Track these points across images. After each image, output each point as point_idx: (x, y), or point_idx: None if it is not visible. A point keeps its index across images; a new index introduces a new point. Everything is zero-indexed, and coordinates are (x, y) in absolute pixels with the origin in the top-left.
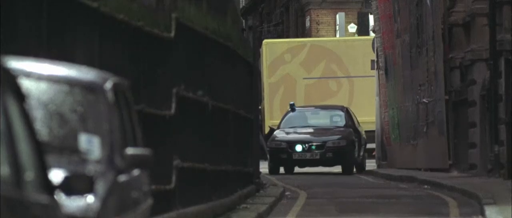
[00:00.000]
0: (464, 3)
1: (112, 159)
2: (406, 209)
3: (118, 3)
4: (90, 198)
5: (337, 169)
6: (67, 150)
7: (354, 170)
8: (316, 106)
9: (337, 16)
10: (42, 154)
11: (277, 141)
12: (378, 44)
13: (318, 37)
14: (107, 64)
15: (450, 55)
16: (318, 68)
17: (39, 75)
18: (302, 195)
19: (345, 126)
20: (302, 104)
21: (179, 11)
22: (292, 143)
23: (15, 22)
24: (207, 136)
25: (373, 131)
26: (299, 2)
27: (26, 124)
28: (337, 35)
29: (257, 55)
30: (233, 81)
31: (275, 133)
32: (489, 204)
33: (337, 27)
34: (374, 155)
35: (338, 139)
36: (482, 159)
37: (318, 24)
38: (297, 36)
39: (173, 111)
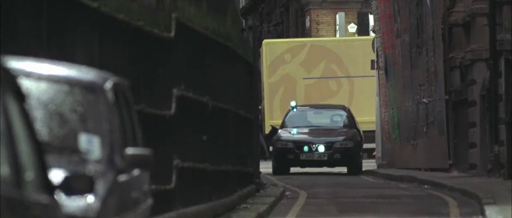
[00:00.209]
0: (464, 3)
1: (112, 159)
2: (406, 209)
3: (118, 3)
4: (90, 198)
5: (337, 169)
6: (67, 150)
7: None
8: (317, 106)
9: (337, 16)
10: (42, 154)
11: (283, 141)
12: (378, 44)
13: (318, 37)
14: (107, 64)
15: (450, 55)
16: (318, 68)
17: (39, 75)
18: (302, 195)
19: (348, 126)
20: (302, 104)
21: (179, 11)
22: (299, 143)
23: (15, 22)
24: (207, 136)
25: (373, 131)
26: (299, 2)
27: (26, 124)
28: (337, 35)
29: (257, 55)
30: (233, 81)
31: (279, 132)
32: (489, 204)
33: (337, 27)
34: (374, 155)
35: (346, 140)
36: (482, 159)
37: (318, 24)
38: (297, 36)
39: (173, 111)
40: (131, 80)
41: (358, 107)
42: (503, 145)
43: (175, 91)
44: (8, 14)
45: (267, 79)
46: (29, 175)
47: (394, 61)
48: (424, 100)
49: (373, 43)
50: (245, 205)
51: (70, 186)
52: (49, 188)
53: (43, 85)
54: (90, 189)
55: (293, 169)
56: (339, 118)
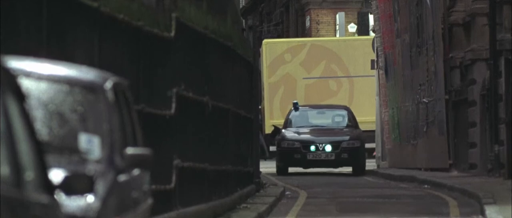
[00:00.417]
0: (464, 2)
1: (112, 159)
2: (406, 208)
3: (118, 3)
4: (90, 198)
5: (337, 169)
6: (67, 150)
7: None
8: (320, 106)
9: (337, 16)
10: (42, 154)
11: (289, 140)
12: (378, 44)
13: (318, 37)
14: (107, 64)
15: (450, 55)
16: (318, 68)
17: (39, 75)
18: (302, 195)
19: (351, 126)
20: (302, 104)
21: (179, 11)
22: (306, 143)
23: (15, 22)
24: (207, 135)
25: (373, 131)
26: (299, 2)
27: (26, 124)
28: (337, 35)
29: (257, 55)
30: (233, 81)
31: (284, 132)
32: (489, 203)
33: (337, 27)
34: (374, 155)
35: (352, 139)
36: (482, 159)
37: (318, 24)
38: (297, 36)
39: (173, 110)
40: (131, 80)
41: (358, 107)
42: (503, 144)
43: (175, 91)
44: (8, 14)
45: (267, 79)
46: (29, 175)
47: (394, 61)
48: (424, 100)
49: (373, 43)
50: (245, 205)
51: (70, 186)
52: (49, 188)
53: (43, 85)
54: (90, 189)
55: (291, 169)
56: (341, 118)
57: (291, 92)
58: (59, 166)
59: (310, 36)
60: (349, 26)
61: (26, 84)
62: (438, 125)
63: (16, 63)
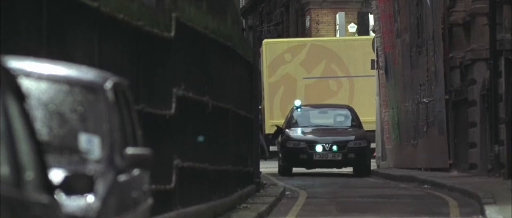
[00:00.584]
0: (464, 2)
1: (112, 159)
2: (406, 208)
3: (118, 3)
4: (90, 198)
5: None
6: (67, 149)
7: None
8: (322, 106)
9: (337, 16)
10: (42, 154)
11: (295, 140)
12: (378, 44)
13: (318, 37)
14: (107, 64)
15: (450, 55)
16: (318, 68)
17: (39, 75)
18: (302, 195)
19: (355, 126)
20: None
21: (179, 11)
22: (312, 143)
23: (15, 22)
24: (207, 135)
25: (373, 131)
26: (299, 1)
27: (26, 124)
28: (337, 35)
29: (257, 55)
30: (233, 81)
31: (288, 132)
32: (489, 203)
33: (337, 27)
34: (374, 155)
35: (358, 139)
36: (482, 159)
37: (318, 24)
38: (297, 36)
39: (173, 110)
40: (131, 80)
41: (358, 107)
42: (503, 144)
43: (175, 91)
44: (8, 14)
45: (267, 79)
46: (29, 175)
47: (394, 61)
48: (424, 100)
49: (373, 43)
50: (245, 205)
51: (70, 186)
52: (49, 188)
53: (43, 85)
54: (90, 189)
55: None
56: (346, 118)
57: (291, 92)
58: (59, 166)
59: (310, 36)
60: (349, 26)
61: (26, 84)
62: (438, 125)
63: (16, 63)
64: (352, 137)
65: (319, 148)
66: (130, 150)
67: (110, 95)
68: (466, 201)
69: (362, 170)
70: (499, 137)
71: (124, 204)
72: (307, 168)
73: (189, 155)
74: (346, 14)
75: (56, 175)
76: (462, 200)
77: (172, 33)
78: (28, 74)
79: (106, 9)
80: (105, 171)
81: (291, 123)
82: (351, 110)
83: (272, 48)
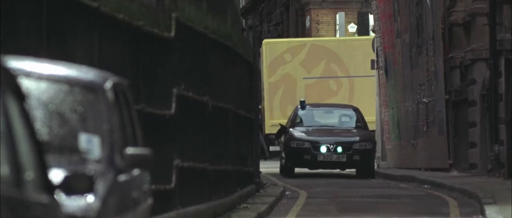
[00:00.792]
0: (464, 2)
1: (112, 159)
2: (406, 208)
3: (118, 3)
4: (90, 198)
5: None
6: (67, 149)
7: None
8: (327, 105)
9: (337, 16)
10: (42, 154)
11: (299, 140)
12: (378, 44)
13: (318, 37)
14: (107, 64)
15: (450, 55)
16: (318, 68)
17: (39, 75)
18: (302, 195)
19: (360, 127)
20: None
21: (179, 11)
22: (316, 143)
23: (15, 21)
24: (207, 135)
25: (373, 131)
26: (299, 1)
27: (26, 124)
28: (337, 35)
29: (257, 55)
30: (233, 81)
31: (291, 131)
32: (489, 203)
33: (337, 27)
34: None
35: (363, 140)
36: (482, 159)
37: (318, 24)
38: (297, 36)
39: (173, 110)
40: (131, 80)
41: (358, 107)
42: (503, 144)
43: (175, 91)
44: (8, 14)
45: (267, 79)
46: (29, 175)
47: (394, 61)
48: (424, 100)
49: (373, 43)
50: (245, 205)
51: (70, 186)
52: (49, 188)
53: (43, 85)
54: (90, 189)
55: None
56: (350, 118)
57: (291, 92)
58: (59, 166)
59: (310, 36)
60: (349, 26)
61: (26, 84)
62: (438, 125)
63: (16, 63)
64: (357, 138)
65: (323, 149)
66: (130, 150)
67: (110, 95)
68: (466, 201)
69: (366, 172)
70: (499, 137)
71: (124, 204)
72: (311, 169)
73: (189, 155)
74: (346, 14)
75: (56, 175)
76: (462, 200)
77: (172, 33)
78: (28, 74)
79: (106, 9)
80: (105, 171)
81: (295, 122)
82: (356, 110)
83: (272, 48)
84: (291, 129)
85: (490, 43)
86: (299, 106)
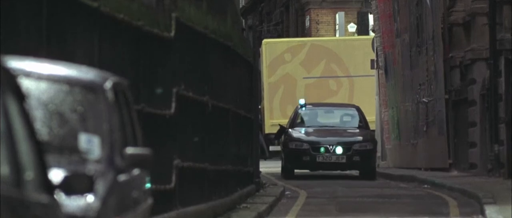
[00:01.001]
0: (464, 2)
1: (112, 159)
2: (406, 208)
3: (118, 3)
4: (90, 198)
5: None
6: (67, 149)
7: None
8: (328, 105)
9: (337, 15)
10: (42, 154)
11: (298, 141)
12: (378, 44)
13: (318, 36)
14: (107, 64)
15: (450, 55)
16: (318, 67)
17: (39, 75)
18: (302, 195)
19: (362, 126)
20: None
21: (179, 11)
22: (315, 144)
23: (15, 21)
24: (207, 135)
25: (373, 131)
26: (299, 1)
27: (26, 124)
28: (337, 35)
29: (257, 55)
30: (233, 81)
31: (291, 132)
32: (489, 203)
33: (337, 26)
34: None
35: (364, 141)
36: (482, 159)
37: (318, 24)
38: (297, 36)
39: (173, 110)
40: (131, 80)
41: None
42: (503, 144)
43: (175, 91)
44: (8, 14)
45: (267, 79)
46: (29, 175)
47: (394, 61)
48: (424, 99)
49: (373, 43)
50: (245, 205)
51: (70, 186)
52: (49, 188)
53: (43, 85)
54: (90, 189)
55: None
56: (352, 118)
57: (291, 92)
58: (59, 166)
59: (310, 36)
60: (349, 26)
61: (26, 84)
62: (438, 125)
63: (16, 63)
64: (358, 138)
65: (322, 150)
66: (130, 150)
67: (110, 95)
68: (466, 201)
69: (367, 174)
70: (499, 137)
71: (124, 204)
72: (310, 170)
73: (189, 155)
74: (346, 14)
75: (56, 175)
76: (462, 200)
77: (172, 33)
78: (28, 74)
79: (106, 9)
80: (105, 171)
81: (295, 122)
82: (358, 109)
83: (272, 48)
84: (290, 130)
85: (490, 43)
86: (299, 106)
